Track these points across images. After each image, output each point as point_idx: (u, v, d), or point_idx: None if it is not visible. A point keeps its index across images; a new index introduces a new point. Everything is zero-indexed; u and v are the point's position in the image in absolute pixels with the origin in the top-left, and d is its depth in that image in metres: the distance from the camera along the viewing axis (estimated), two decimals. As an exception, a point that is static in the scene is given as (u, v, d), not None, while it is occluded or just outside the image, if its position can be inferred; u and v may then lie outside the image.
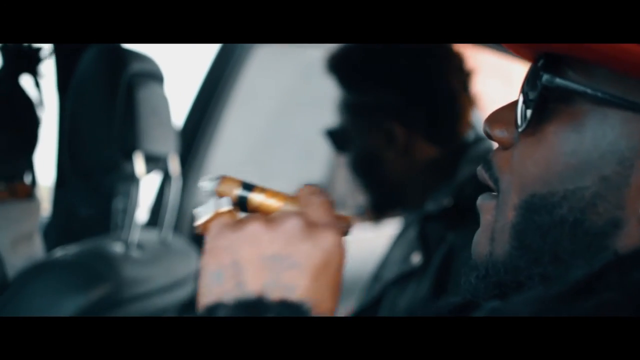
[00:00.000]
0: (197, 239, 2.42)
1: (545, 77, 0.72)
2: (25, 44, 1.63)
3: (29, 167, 1.58)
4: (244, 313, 0.68)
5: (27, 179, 1.57)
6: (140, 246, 1.68)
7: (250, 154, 2.94)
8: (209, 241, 0.73)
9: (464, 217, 1.62)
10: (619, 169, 0.70)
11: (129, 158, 1.56)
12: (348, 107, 1.84)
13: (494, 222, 0.78)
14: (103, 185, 1.85)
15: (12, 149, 1.53)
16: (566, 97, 0.72)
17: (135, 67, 1.60)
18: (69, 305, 1.43)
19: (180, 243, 1.92)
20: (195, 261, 1.91)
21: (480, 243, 0.79)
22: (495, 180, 0.78)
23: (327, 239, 0.72)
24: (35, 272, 1.46)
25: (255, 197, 0.76)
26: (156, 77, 1.69)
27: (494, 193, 0.79)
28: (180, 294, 1.80)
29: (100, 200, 1.88)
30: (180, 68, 2.65)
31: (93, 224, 1.89)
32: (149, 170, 1.65)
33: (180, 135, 2.37)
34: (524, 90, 0.76)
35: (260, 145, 2.98)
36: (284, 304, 0.69)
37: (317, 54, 1.78)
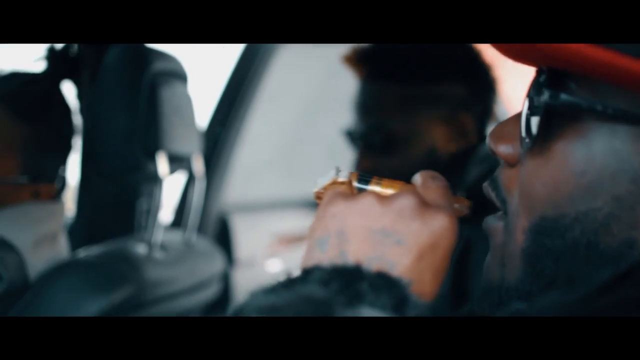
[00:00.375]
0: (221, 239, 2.42)
1: (549, 93, 0.69)
2: (72, 51, 1.64)
3: (59, 170, 1.58)
4: (338, 280, 0.67)
5: (57, 182, 1.57)
6: (163, 247, 1.67)
7: (277, 153, 2.92)
8: (321, 207, 0.73)
9: (479, 210, 1.58)
10: (632, 187, 0.67)
11: (152, 158, 1.55)
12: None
13: (504, 245, 0.75)
14: (126, 185, 1.84)
15: (43, 150, 1.53)
16: (572, 113, 0.69)
17: (159, 66, 1.59)
18: (91, 306, 1.42)
19: (204, 244, 1.91)
20: (219, 262, 1.89)
21: (491, 268, 0.76)
22: (503, 201, 0.76)
23: (438, 220, 0.71)
24: (58, 272, 1.45)
25: (373, 189, 0.76)
26: (179, 76, 1.68)
27: (501, 213, 0.76)
28: (204, 296, 1.79)
29: (123, 201, 1.87)
30: (205, 67, 2.64)
31: (117, 225, 1.89)
32: (172, 171, 1.64)
33: (205, 135, 2.36)
34: (527, 105, 0.73)
35: (287, 145, 2.96)
36: (382, 276, 0.68)
37: (344, 51, 1.75)
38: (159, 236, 1.64)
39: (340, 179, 0.75)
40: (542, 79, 0.71)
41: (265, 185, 2.85)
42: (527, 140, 0.72)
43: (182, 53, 1.75)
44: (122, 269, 1.51)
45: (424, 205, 0.72)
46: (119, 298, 1.46)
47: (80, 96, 1.64)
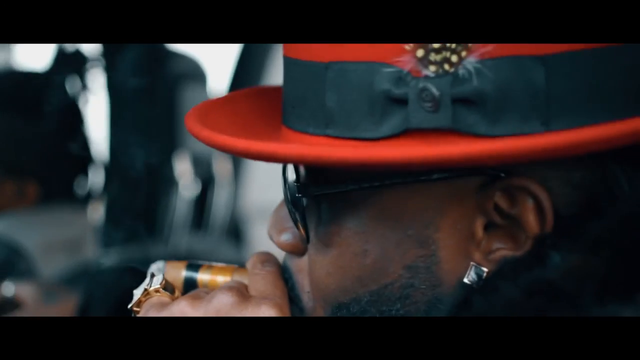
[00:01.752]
0: (239, 243, 2.40)
1: (299, 186, 0.64)
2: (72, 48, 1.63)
3: (76, 172, 1.57)
4: None
5: (79, 188, 1.56)
6: (186, 250, 1.66)
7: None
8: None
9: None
10: (421, 251, 0.62)
11: (171, 160, 1.53)
12: None
13: None
14: (145, 188, 1.83)
15: (30, 147, 1.52)
16: (329, 200, 0.64)
17: (177, 67, 1.57)
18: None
19: (226, 246, 1.89)
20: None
21: None
22: (297, 297, 0.68)
23: (262, 314, 0.64)
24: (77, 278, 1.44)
25: (203, 277, 0.72)
26: (198, 76, 1.66)
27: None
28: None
29: (144, 204, 1.86)
30: (223, 67, 2.62)
31: (138, 229, 1.87)
32: (193, 172, 1.63)
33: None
34: (289, 196, 0.66)
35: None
36: None
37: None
38: (180, 239, 1.63)
39: (153, 287, 0.70)
40: (286, 174, 0.66)
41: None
42: (300, 230, 0.66)
43: (201, 53, 1.74)
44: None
45: (244, 300, 0.65)
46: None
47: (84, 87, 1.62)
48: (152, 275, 0.71)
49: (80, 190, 1.58)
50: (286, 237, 0.68)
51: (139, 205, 1.88)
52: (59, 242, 1.51)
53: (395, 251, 0.63)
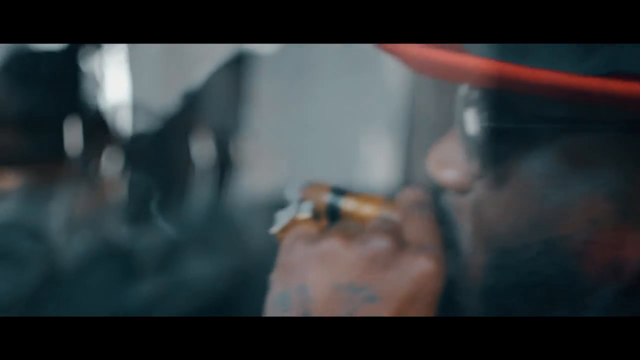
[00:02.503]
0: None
1: (490, 113, 0.59)
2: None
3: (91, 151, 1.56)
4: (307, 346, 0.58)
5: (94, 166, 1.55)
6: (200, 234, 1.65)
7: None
8: (281, 254, 0.63)
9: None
10: (609, 206, 0.58)
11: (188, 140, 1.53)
12: None
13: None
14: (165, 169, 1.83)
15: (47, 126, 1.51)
16: (522, 132, 0.59)
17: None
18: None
19: (239, 229, 1.88)
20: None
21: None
22: (454, 241, 0.64)
23: (419, 266, 0.60)
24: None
25: (347, 204, 0.66)
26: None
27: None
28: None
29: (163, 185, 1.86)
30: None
31: (156, 209, 1.87)
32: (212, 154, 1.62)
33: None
34: (466, 125, 0.62)
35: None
36: None
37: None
38: (194, 222, 1.62)
39: (302, 216, 0.65)
40: (476, 96, 0.61)
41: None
42: (474, 165, 0.62)
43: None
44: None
45: (401, 247, 0.60)
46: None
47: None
48: (300, 200, 0.66)
49: (98, 168, 1.58)
50: (451, 174, 0.63)
51: (159, 186, 1.88)
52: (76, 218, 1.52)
53: (580, 202, 0.59)
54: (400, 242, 0.61)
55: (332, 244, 0.61)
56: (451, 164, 0.63)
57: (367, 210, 0.65)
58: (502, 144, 0.60)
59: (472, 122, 0.61)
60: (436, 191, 0.65)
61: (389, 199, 0.66)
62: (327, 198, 0.66)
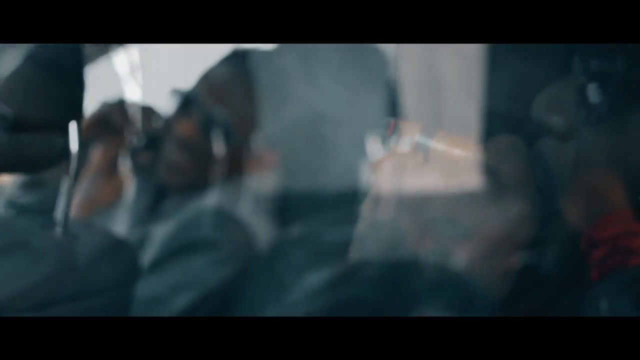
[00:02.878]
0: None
1: (618, 61, 0.60)
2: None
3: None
4: (393, 279, 0.59)
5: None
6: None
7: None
8: (378, 184, 0.63)
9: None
10: None
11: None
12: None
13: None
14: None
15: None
16: None
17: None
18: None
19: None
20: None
21: None
22: (549, 182, 0.65)
23: (514, 208, 0.61)
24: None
25: (437, 145, 0.66)
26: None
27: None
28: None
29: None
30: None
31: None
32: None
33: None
34: (583, 71, 0.63)
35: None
36: (443, 274, 0.59)
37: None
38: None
39: (400, 149, 0.65)
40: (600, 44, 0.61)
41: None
42: (587, 111, 0.63)
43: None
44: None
45: (499, 189, 0.61)
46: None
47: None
48: (399, 132, 0.66)
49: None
50: (558, 120, 0.65)
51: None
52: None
53: None
54: (496, 184, 0.62)
55: (433, 180, 0.61)
56: (559, 109, 0.64)
57: (458, 152, 0.65)
58: (619, 94, 0.60)
59: (589, 71, 0.61)
60: (536, 135, 0.66)
61: (481, 143, 0.66)
62: (417, 137, 0.66)
